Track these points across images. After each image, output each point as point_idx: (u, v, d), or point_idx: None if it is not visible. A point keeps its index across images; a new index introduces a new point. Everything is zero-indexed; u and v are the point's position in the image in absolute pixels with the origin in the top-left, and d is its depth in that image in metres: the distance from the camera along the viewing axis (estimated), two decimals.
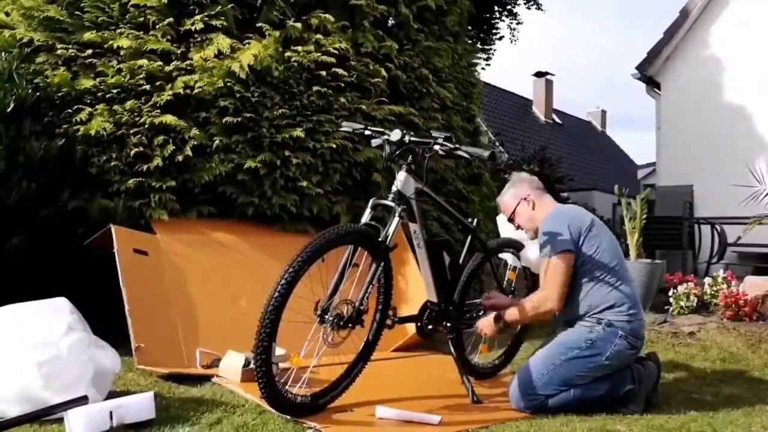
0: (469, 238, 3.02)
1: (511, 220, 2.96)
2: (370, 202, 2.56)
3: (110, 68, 3.67)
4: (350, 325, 2.41)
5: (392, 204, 2.53)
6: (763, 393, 3.03)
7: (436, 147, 2.56)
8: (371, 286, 2.46)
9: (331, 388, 2.48)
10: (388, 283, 2.63)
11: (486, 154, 2.56)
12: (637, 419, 2.51)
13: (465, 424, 2.38)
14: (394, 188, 2.55)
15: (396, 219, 2.51)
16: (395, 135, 2.52)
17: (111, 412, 2.12)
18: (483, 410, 2.62)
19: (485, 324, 2.81)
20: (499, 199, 3.03)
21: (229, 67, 3.65)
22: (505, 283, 3.24)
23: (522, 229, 2.97)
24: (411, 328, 3.50)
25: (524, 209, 2.91)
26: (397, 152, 2.55)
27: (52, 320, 2.32)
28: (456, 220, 3.03)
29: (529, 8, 12.69)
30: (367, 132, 2.68)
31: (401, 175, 2.56)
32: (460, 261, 2.97)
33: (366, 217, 2.53)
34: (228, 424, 2.27)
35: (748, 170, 5.66)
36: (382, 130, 2.68)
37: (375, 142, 2.64)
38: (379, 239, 2.49)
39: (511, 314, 2.75)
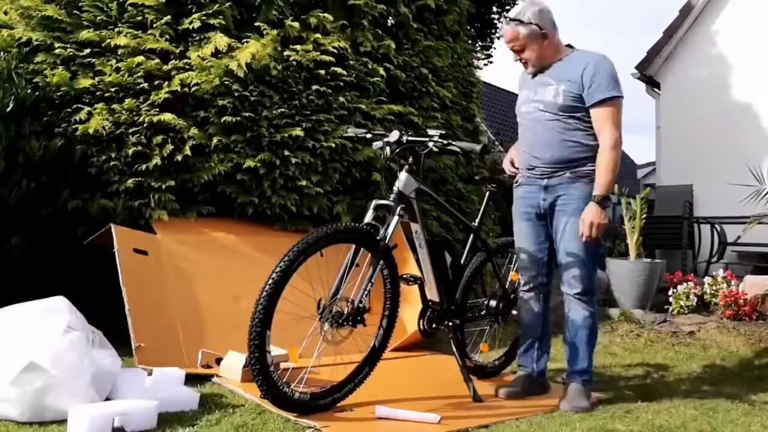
0: (471, 237, 3.03)
1: (515, 50, 2.77)
2: (372, 203, 2.59)
3: (108, 67, 3.67)
4: (350, 323, 2.41)
5: (392, 203, 2.55)
6: (762, 392, 3.03)
7: (431, 144, 2.60)
8: (370, 284, 2.47)
9: (334, 390, 2.49)
10: (395, 287, 2.65)
11: (478, 147, 2.63)
12: (636, 418, 2.51)
13: (465, 423, 2.38)
14: (395, 188, 2.58)
15: (395, 218, 2.54)
16: (393, 136, 2.58)
17: (114, 419, 2.11)
18: (483, 409, 2.61)
19: (592, 214, 2.60)
20: (504, 30, 2.80)
21: (227, 65, 3.65)
22: (507, 283, 3.23)
23: (524, 62, 2.80)
24: (411, 327, 3.51)
25: (539, 44, 2.74)
26: (397, 152, 2.58)
27: (50, 320, 2.32)
28: (457, 219, 3.03)
29: None
30: (368, 135, 2.75)
31: (402, 175, 2.60)
32: (462, 261, 2.97)
33: (368, 218, 2.56)
34: (228, 424, 2.26)
35: (748, 169, 5.65)
36: (383, 132, 2.71)
37: (376, 144, 2.69)
38: (378, 237, 2.50)
39: (600, 184, 2.62)
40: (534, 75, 2.83)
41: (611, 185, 2.66)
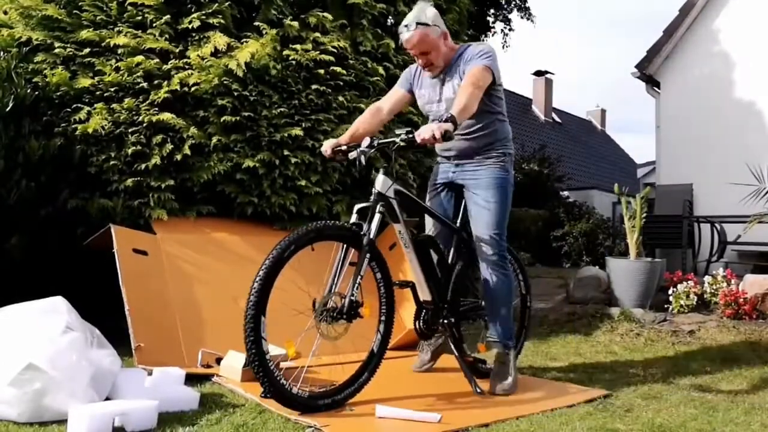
0: (455, 237, 3.05)
1: (423, 52, 2.84)
2: (355, 207, 2.68)
3: (108, 67, 3.67)
4: (344, 317, 2.46)
5: (371, 204, 2.64)
6: (762, 391, 3.03)
7: (398, 140, 2.65)
8: (359, 277, 2.52)
9: (334, 392, 2.50)
10: (389, 291, 2.71)
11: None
12: (636, 418, 2.51)
13: (465, 422, 2.38)
14: (374, 190, 2.67)
15: (376, 216, 2.62)
16: (364, 143, 2.69)
17: (114, 419, 2.11)
18: (483, 408, 2.61)
19: (426, 129, 2.48)
20: (410, 34, 2.80)
21: (227, 65, 3.64)
22: None
23: (428, 67, 2.88)
24: (409, 324, 3.51)
25: (442, 44, 2.86)
26: (368, 156, 2.68)
27: (49, 321, 2.32)
28: (439, 220, 3.04)
29: (522, 17, 12.74)
30: (344, 148, 2.84)
31: (379, 177, 2.68)
32: (449, 260, 3.02)
33: (353, 220, 2.65)
34: (228, 423, 2.26)
35: (748, 169, 5.65)
36: (356, 143, 2.76)
37: (352, 154, 2.77)
38: (362, 233, 2.57)
39: (456, 106, 2.59)
40: (434, 75, 2.94)
41: (464, 112, 2.61)
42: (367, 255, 2.56)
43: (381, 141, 2.70)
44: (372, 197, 2.66)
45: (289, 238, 2.42)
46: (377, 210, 2.63)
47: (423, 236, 2.97)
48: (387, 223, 2.71)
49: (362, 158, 2.67)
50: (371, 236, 2.58)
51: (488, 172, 2.91)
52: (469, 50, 2.86)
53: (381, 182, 2.67)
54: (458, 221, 3.10)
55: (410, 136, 2.59)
